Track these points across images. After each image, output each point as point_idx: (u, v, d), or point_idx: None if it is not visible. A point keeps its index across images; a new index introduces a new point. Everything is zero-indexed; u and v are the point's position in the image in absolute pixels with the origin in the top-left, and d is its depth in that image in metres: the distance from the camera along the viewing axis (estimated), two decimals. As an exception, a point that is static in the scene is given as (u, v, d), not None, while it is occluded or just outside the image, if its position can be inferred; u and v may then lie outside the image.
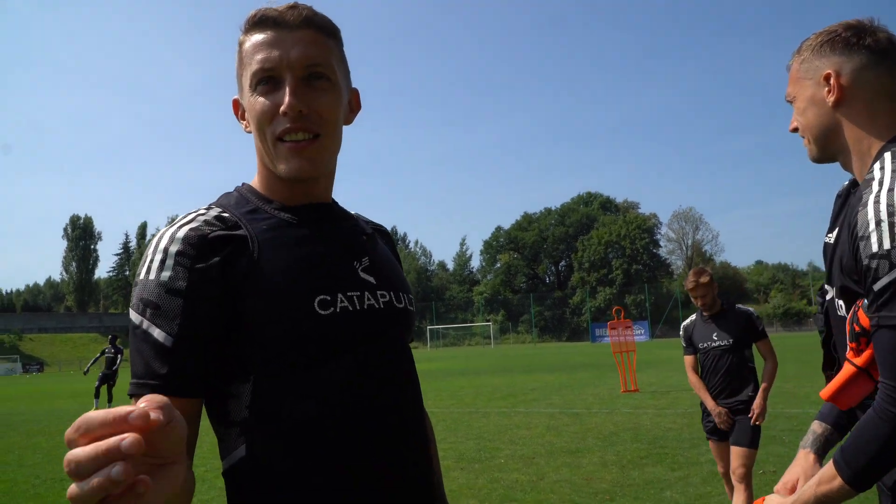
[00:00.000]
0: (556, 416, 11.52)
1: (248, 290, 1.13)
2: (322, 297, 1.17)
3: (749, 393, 4.81)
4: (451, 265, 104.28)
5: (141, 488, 0.65)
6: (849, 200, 1.60)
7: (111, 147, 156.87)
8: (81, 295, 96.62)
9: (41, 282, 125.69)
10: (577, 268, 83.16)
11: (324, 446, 1.14)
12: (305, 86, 1.21)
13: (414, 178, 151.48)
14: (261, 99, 1.21)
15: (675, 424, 9.88)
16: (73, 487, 0.64)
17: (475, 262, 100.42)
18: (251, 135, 1.29)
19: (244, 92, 1.26)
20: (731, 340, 4.82)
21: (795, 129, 1.68)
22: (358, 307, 1.21)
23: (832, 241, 1.63)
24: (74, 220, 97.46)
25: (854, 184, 1.62)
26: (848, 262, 1.47)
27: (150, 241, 1.17)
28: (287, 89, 1.19)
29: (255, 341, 1.14)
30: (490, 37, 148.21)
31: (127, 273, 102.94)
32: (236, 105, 1.32)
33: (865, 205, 1.38)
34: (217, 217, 1.19)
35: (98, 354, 17.80)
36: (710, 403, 4.87)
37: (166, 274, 1.10)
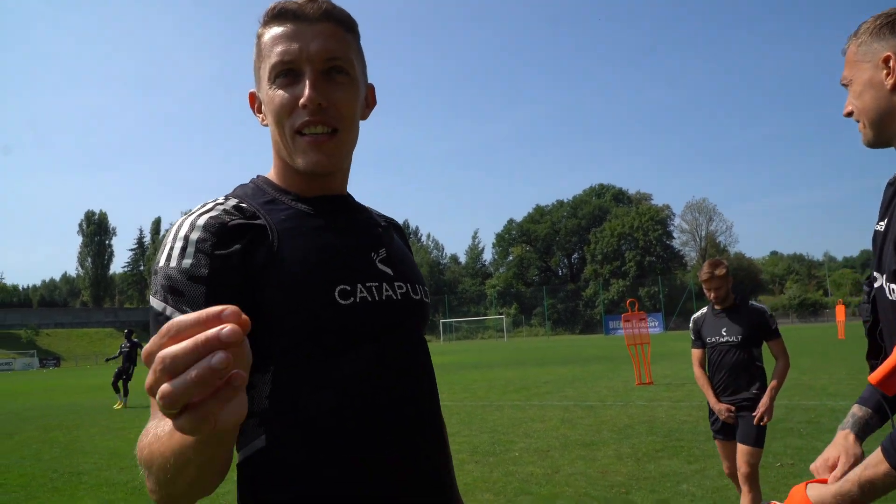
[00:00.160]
0: (571, 408, 11.49)
1: (267, 280, 1.13)
2: (342, 287, 1.17)
3: (755, 391, 4.61)
4: (463, 258, 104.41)
5: (237, 381, 0.65)
6: None
7: (125, 143, 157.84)
8: (97, 290, 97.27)
9: (57, 277, 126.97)
10: (590, 260, 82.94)
11: (341, 438, 1.13)
12: (325, 80, 1.20)
13: (426, 172, 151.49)
14: (280, 92, 1.20)
15: (691, 417, 9.83)
16: (164, 386, 0.63)
17: (487, 255, 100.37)
18: (267, 128, 1.28)
19: (262, 85, 1.24)
20: (739, 337, 4.61)
21: (850, 114, 1.64)
22: (377, 298, 1.21)
23: (883, 228, 1.60)
24: (89, 216, 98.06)
25: None
26: None
27: (168, 229, 1.16)
28: (307, 82, 1.18)
29: (274, 331, 1.13)
30: (502, 29, 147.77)
31: (142, 268, 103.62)
32: (252, 98, 1.31)
33: None
34: (235, 207, 1.18)
35: (118, 351, 17.87)
36: (711, 400, 4.73)
37: (187, 261, 1.09)
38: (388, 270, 1.28)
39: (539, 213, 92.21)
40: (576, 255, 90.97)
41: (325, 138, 1.20)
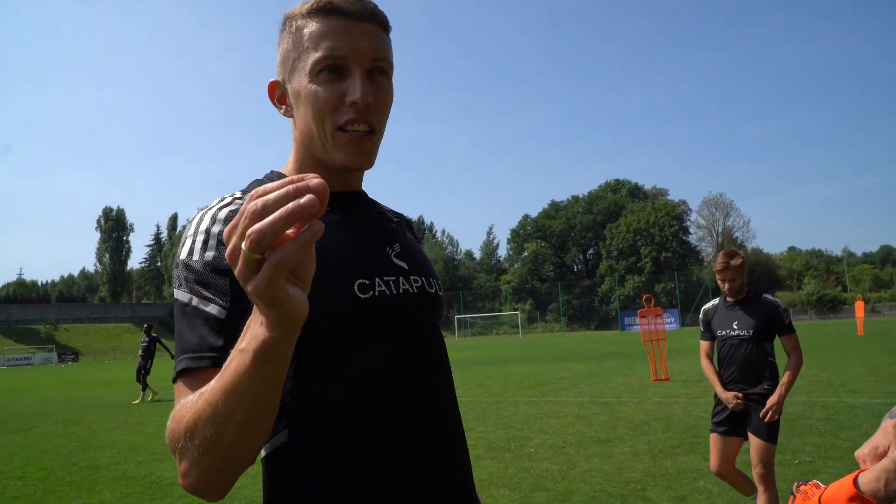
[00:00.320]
0: (586, 405, 11.45)
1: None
2: (361, 281, 1.18)
3: (766, 386, 4.46)
4: (478, 254, 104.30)
5: (316, 227, 0.74)
6: None
7: (143, 140, 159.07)
8: (115, 285, 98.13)
9: (76, 273, 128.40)
10: (606, 256, 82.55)
11: (356, 432, 1.13)
12: (369, 79, 1.20)
13: (440, 168, 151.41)
14: (324, 86, 1.18)
15: (708, 413, 9.74)
16: (254, 226, 0.72)
17: (502, 251, 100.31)
18: (288, 119, 1.28)
19: (297, 76, 1.21)
20: (751, 331, 4.47)
21: None
22: (395, 291, 1.22)
23: None
24: (107, 212, 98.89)
25: None
26: None
27: (188, 223, 1.16)
28: (357, 81, 1.17)
29: None
30: (517, 25, 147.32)
31: (159, 264, 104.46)
32: (273, 88, 1.28)
33: None
34: None
35: (140, 348, 17.94)
36: (718, 389, 4.59)
37: (210, 254, 1.09)
38: (404, 265, 1.29)
39: (554, 209, 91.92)
40: (591, 251, 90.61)
41: (365, 137, 1.20)
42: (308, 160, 1.28)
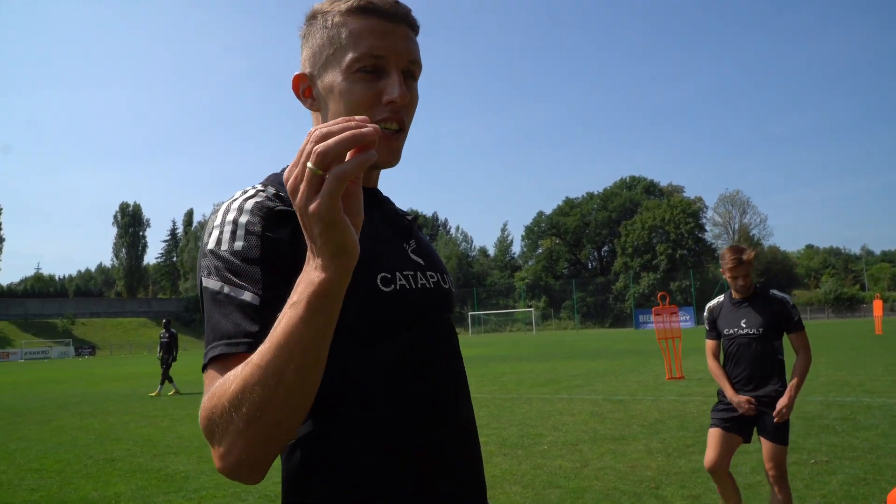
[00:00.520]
0: (600, 402, 11.41)
1: None
2: (383, 274, 1.19)
3: (776, 387, 4.33)
4: (492, 251, 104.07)
5: (371, 153, 0.83)
6: None
7: (159, 137, 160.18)
8: (131, 280, 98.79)
9: (93, 268, 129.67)
10: (621, 253, 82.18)
11: (378, 426, 1.14)
12: (403, 80, 1.22)
13: (454, 164, 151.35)
14: (361, 84, 1.19)
15: (723, 412, 9.69)
16: (320, 146, 0.81)
17: (516, 248, 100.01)
18: (309, 112, 1.29)
19: (332, 71, 1.22)
20: (761, 329, 4.31)
21: None
22: (414, 286, 1.24)
23: None
24: (124, 208, 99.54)
25: None
26: None
27: (213, 214, 1.16)
28: (395, 80, 1.19)
29: None
30: (530, 21, 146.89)
31: (174, 259, 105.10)
32: (298, 81, 1.29)
33: None
34: (276, 195, 1.18)
35: (159, 345, 18.01)
36: (729, 392, 4.40)
37: (239, 244, 1.09)
38: (420, 260, 1.31)
39: (569, 206, 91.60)
40: (606, 248, 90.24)
41: (395, 136, 1.22)
42: None
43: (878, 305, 35.12)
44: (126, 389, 18.95)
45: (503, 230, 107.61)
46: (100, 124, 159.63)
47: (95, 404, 14.95)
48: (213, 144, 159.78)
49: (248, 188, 1.20)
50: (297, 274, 1.03)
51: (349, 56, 1.19)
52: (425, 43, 1.28)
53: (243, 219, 1.12)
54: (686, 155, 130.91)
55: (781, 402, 4.21)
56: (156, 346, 17.76)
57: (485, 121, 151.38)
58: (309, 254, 0.90)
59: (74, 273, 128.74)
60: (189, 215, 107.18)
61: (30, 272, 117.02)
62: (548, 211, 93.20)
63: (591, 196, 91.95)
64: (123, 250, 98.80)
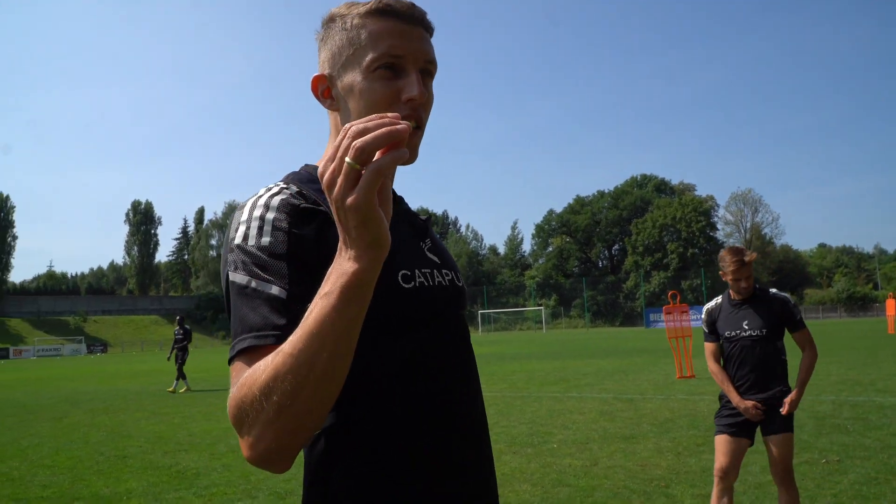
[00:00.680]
0: (610, 401, 11.39)
1: None
2: (404, 271, 1.22)
3: (781, 388, 4.24)
4: (502, 249, 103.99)
5: (404, 151, 0.87)
6: None
7: (170, 135, 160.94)
8: (143, 278, 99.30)
9: (105, 265, 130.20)
10: (631, 251, 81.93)
11: (391, 423, 1.16)
12: (420, 79, 1.25)
13: (465, 162, 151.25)
14: (380, 83, 1.22)
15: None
16: (358, 141, 0.86)
17: (527, 246, 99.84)
18: (327, 112, 1.32)
19: (352, 71, 1.25)
20: (764, 330, 4.20)
21: None
22: (431, 283, 1.26)
23: None
24: (136, 206, 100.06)
25: None
26: None
27: (238, 210, 1.19)
28: (414, 79, 1.21)
29: None
30: (540, 17, 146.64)
31: (186, 257, 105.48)
32: (317, 82, 1.31)
33: None
34: (299, 193, 1.21)
35: (173, 342, 18.15)
36: (734, 397, 4.29)
37: (266, 239, 1.11)
38: (436, 258, 1.34)
39: (579, 204, 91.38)
40: (616, 247, 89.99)
41: (413, 133, 1.23)
42: None
43: (890, 305, 34.83)
44: (137, 386, 19.06)
45: (513, 228, 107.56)
46: (113, 122, 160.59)
47: (107, 401, 15.04)
48: (226, 143, 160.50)
49: (271, 186, 1.23)
50: (321, 270, 1.05)
51: (369, 56, 1.21)
52: (435, 41, 1.29)
53: (270, 215, 1.14)
54: (697, 153, 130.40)
55: (791, 396, 4.17)
56: (167, 343, 17.84)
57: (495, 119, 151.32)
58: (341, 246, 0.93)
59: (86, 271, 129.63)
60: (200, 213, 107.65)
61: (42, 270, 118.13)
62: (558, 209, 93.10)
63: (601, 194, 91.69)
64: (135, 248, 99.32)
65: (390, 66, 1.21)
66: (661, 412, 9.91)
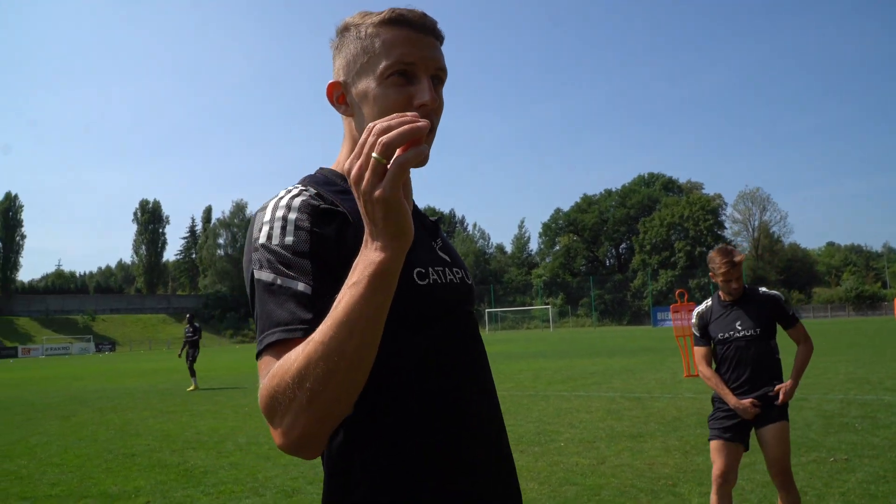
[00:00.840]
0: (617, 399, 11.38)
1: None
2: (418, 269, 1.25)
3: (777, 384, 4.18)
4: (509, 248, 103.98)
5: (425, 148, 0.95)
6: None
7: (178, 134, 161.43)
8: (151, 277, 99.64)
9: (113, 264, 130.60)
10: (639, 250, 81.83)
11: (406, 419, 1.18)
12: (432, 85, 1.29)
13: (472, 161, 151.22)
14: (393, 89, 1.26)
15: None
16: (384, 137, 0.93)
17: (534, 245, 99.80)
18: (346, 119, 1.36)
19: (366, 78, 1.29)
20: (758, 329, 4.15)
21: None
22: (444, 280, 1.30)
23: None
24: (144, 205, 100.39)
25: None
26: None
27: (259, 212, 1.22)
28: (425, 85, 1.26)
29: None
30: (548, 16, 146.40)
31: (193, 256, 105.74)
32: (332, 89, 1.35)
33: None
34: (317, 194, 1.24)
35: (184, 340, 18.15)
36: (731, 399, 4.22)
37: (290, 238, 1.15)
38: (447, 257, 1.37)
39: (587, 203, 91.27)
40: (624, 245, 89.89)
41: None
42: None
43: (899, 303, 34.66)
44: (145, 385, 19.13)
45: (520, 227, 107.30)
46: (121, 122, 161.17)
47: (115, 400, 15.11)
48: (233, 142, 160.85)
49: (290, 188, 1.27)
50: (340, 269, 1.09)
51: (382, 64, 1.25)
52: (444, 45, 1.31)
53: (292, 215, 1.17)
54: (705, 152, 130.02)
55: (786, 385, 4.12)
56: (175, 342, 17.91)
57: (502, 118, 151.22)
58: (367, 238, 0.98)
59: (95, 270, 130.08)
60: (208, 212, 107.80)
61: (51, 269, 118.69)
62: (565, 208, 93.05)
63: (609, 193, 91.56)
64: (143, 247, 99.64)
65: (403, 73, 1.25)
66: (669, 411, 9.89)
